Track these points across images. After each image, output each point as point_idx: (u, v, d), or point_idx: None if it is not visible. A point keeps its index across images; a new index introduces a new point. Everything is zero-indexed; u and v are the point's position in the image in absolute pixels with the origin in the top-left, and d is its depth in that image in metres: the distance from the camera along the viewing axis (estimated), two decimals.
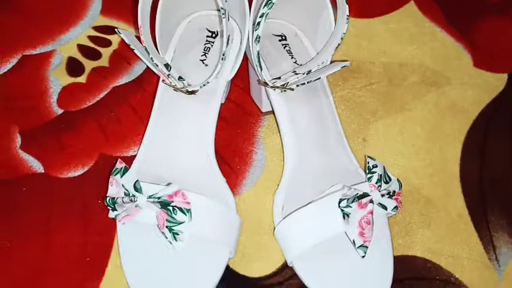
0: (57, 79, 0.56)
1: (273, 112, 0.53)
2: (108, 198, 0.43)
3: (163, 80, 0.48)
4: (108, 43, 0.60)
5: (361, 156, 0.51)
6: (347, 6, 0.47)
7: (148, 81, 0.56)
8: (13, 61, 0.57)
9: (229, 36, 0.45)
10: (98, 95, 0.55)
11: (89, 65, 0.58)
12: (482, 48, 0.63)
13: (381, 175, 0.45)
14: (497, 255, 0.46)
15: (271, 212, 0.47)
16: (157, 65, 0.46)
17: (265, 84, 0.48)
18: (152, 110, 0.49)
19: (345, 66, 0.49)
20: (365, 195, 0.43)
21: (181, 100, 0.49)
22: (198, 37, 0.53)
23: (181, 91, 0.47)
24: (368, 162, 0.46)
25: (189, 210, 0.41)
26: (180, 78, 0.46)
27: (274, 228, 0.45)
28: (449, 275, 0.45)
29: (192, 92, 0.47)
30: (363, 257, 0.41)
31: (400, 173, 0.51)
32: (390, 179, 0.46)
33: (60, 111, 0.54)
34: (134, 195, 0.42)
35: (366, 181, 0.45)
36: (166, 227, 0.41)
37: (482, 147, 0.53)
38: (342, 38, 0.49)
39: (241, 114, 0.55)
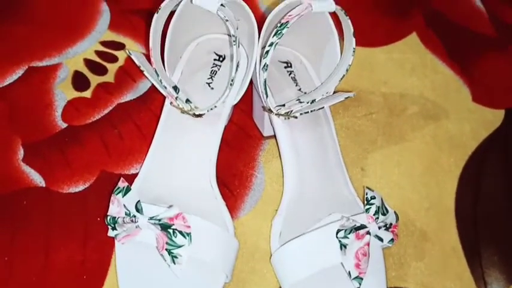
0: (62, 93, 0.57)
1: (274, 137, 0.54)
2: (109, 218, 0.43)
3: (171, 103, 0.49)
4: (114, 59, 0.61)
5: (359, 185, 0.52)
6: (354, 39, 0.49)
7: (153, 99, 0.57)
8: (19, 72, 0.58)
9: (238, 62, 0.46)
10: (102, 111, 0.55)
11: (94, 80, 0.58)
12: (481, 83, 0.64)
13: (378, 207, 0.46)
14: None
15: (268, 237, 0.47)
16: (165, 87, 0.47)
17: (270, 111, 0.49)
18: (156, 130, 0.50)
19: (348, 97, 0.50)
20: (362, 226, 0.44)
21: (185, 122, 0.49)
22: (206, 60, 0.54)
23: (188, 113, 0.47)
24: (366, 194, 0.47)
25: (189, 234, 0.41)
26: (187, 100, 0.47)
27: (271, 254, 0.46)
28: None
29: (199, 115, 0.47)
30: None
31: (396, 204, 0.51)
32: (387, 211, 0.46)
33: (64, 125, 0.54)
34: (135, 216, 0.42)
35: (363, 212, 0.46)
36: (166, 249, 0.41)
37: (477, 183, 0.54)
38: (347, 70, 0.50)
39: (242, 137, 0.55)
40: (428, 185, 0.54)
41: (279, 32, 0.46)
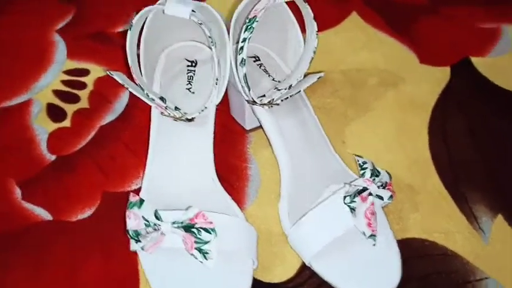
0: (41, 127, 0.57)
1: (257, 128, 0.57)
2: (130, 232, 0.44)
3: (161, 113, 0.50)
4: (82, 85, 0.61)
5: (344, 156, 0.56)
6: (315, 23, 0.52)
7: (133, 116, 0.58)
8: None
9: (218, 61, 0.48)
10: (86, 136, 0.56)
11: (69, 108, 0.59)
12: (423, 46, 0.70)
13: (372, 170, 0.50)
14: (480, 224, 0.52)
15: (278, 221, 0.50)
16: (153, 100, 0.48)
17: (254, 102, 0.52)
18: (150, 141, 0.51)
19: (320, 77, 0.54)
20: (364, 189, 0.47)
21: (177, 128, 0.51)
22: (179, 67, 0.56)
23: (181, 120, 0.49)
24: (358, 160, 0.51)
25: (213, 229, 0.43)
26: (176, 108, 0.49)
27: (285, 235, 0.48)
28: (445, 249, 0.50)
29: (191, 120, 0.49)
30: (374, 245, 0.46)
31: (382, 167, 0.55)
32: (380, 172, 0.51)
33: (53, 157, 0.54)
34: (157, 224, 0.43)
35: (359, 177, 0.50)
36: (195, 248, 0.43)
37: (443, 131, 0.60)
38: (314, 52, 0.53)
39: (228, 134, 0.58)
40: (403, 144, 0.59)
41: (249, 26, 0.49)
